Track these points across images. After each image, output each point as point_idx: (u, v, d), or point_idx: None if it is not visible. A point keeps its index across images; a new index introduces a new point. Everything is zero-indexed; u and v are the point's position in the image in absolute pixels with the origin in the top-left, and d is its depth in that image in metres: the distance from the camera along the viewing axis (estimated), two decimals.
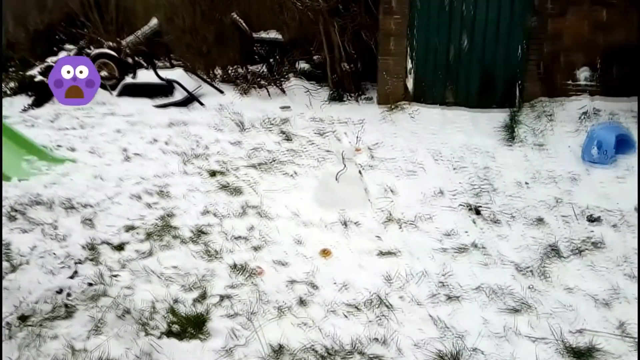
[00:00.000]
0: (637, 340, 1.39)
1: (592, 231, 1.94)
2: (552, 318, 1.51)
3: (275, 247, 1.96)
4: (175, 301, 1.64)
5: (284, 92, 4.18)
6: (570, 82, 3.22)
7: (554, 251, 1.84)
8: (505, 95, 3.42)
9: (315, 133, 3.28)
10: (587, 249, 1.85)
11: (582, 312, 1.53)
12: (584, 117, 2.93)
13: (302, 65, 4.39)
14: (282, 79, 4.24)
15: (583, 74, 3.18)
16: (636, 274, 1.69)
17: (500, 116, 3.19)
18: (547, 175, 2.47)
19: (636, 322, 1.46)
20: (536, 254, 1.84)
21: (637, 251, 1.79)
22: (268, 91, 4.17)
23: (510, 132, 2.96)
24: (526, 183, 2.41)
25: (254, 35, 4.61)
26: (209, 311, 1.59)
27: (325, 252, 1.90)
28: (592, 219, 2.03)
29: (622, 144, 2.51)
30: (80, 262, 1.87)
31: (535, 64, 3.29)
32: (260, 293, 1.68)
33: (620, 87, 3.06)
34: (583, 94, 3.15)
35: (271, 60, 4.36)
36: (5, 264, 1.84)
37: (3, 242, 1.99)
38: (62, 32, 5.09)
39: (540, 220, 2.06)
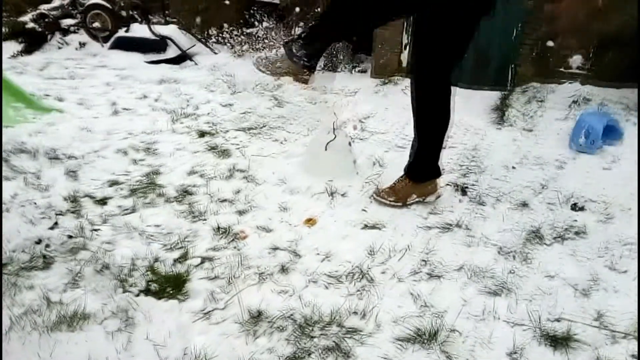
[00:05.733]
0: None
1: (576, 220, 1.85)
2: (531, 303, 1.44)
3: (260, 213, 1.85)
4: (156, 260, 1.54)
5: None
6: (562, 68, 3.10)
7: (536, 236, 1.76)
8: (498, 76, 3.28)
9: (307, 101, 3.11)
10: (569, 237, 1.76)
11: (561, 299, 1.45)
12: (574, 105, 2.81)
13: (299, 31, 4.17)
14: (277, 44, 4.03)
15: (576, 60, 3.06)
16: (616, 265, 1.61)
17: (491, 97, 3.05)
18: (535, 159, 2.36)
19: (614, 313, 1.39)
20: (519, 238, 1.75)
21: (620, 243, 1.71)
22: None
23: (500, 114, 2.83)
24: (513, 167, 2.30)
25: None
26: (189, 272, 1.49)
27: (309, 221, 1.79)
28: (576, 208, 1.94)
29: (610, 132, 2.40)
30: (61, 213, 1.75)
31: (529, 46, 3.15)
32: (242, 257, 1.58)
33: (611, 76, 2.96)
34: (575, 80, 3.04)
35: (267, 24, 4.13)
36: None
37: None
38: None
39: (525, 204, 1.97)
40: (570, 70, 3.06)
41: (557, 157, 2.37)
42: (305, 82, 1.92)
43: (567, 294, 1.47)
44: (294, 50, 1.84)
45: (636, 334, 1.31)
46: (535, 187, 2.10)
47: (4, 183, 1.93)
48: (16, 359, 1.17)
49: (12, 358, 1.18)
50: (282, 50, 1.84)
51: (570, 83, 3.01)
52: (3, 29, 4.32)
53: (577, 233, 1.77)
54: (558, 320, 1.37)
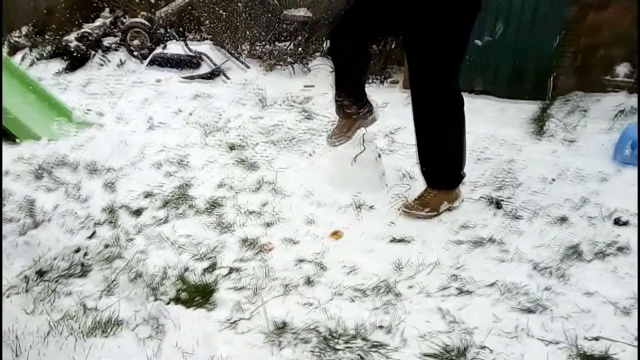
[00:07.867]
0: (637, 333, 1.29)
1: (619, 235, 1.80)
2: (567, 321, 1.41)
3: (286, 225, 1.91)
4: (186, 269, 1.63)
5: (309, 70, 4.10)
6: (608, 77, 3.01)
7: (575, 252, 1.72)
8: (537, 87, 3.23)
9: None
10: (611, 253, 1.71)
11: (600, 318, 1.42)
12: (620, 115, 2.73)
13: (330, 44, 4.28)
14: (308, 58, 4.15)
15: (623, 69, 2.96)
16: None
17: (530, 108, 3.01)
18: (576, 173, 2.31)
19: None
20: (557, 254, 1.72)
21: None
22: (293, 69, 4.09)
23: (539, 125, 2.79)
24: (553, 180, 2.26)
25: (284, 12, 4.52)
26: (217, 282, 1.56)
27: (335, 234, 1.84)
28: (619, 223, 1.88)
29: None
30: (99, 223, 1.89)
31: (571, 56, 3.09)
32: (268, 269, 1.64)
33: None
34: (621, 90, 2.95)
35: (299, 38, 4.27)
36: (28, 220, 1.88)
37: (28, 199, 2.03)
38: (100, 1, 5.13)
39: (563, 219, 1.93)
40: (615, 80, 2.98)
41: (600, 170, 2.30)
42: (375, 119, 2.10)
43: (607, 313, 1.43)
44: (344, 106, 1.99)
45: None
46: (575, 202, 2.05)
47: (47, 194, 2.10)
48: None
49: None
50: (336, 115, 2.08)
51: (615, 93, 2.93)
52: (48, 48, 4.73)
53: (619, 249, 1.72)
54: (596, 339, 1.33)
